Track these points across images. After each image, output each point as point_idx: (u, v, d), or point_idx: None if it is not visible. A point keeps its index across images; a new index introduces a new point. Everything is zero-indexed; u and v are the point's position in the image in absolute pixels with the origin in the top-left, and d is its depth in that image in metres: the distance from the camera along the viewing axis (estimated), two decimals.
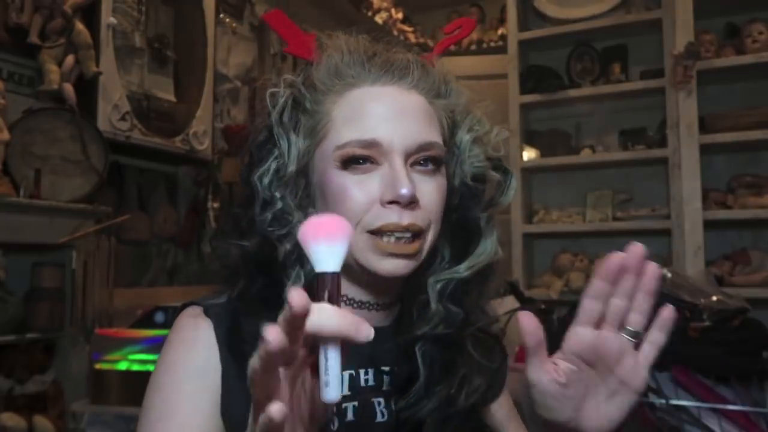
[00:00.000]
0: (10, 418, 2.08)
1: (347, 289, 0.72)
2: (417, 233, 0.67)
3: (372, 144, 0.67)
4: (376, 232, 0.67)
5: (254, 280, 0.71)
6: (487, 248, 0.73)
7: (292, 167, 0.70)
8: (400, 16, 4.77)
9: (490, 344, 0.78)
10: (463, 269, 0.72)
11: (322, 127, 0.70)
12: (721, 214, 2.61)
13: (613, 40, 3.01)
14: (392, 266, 0.67)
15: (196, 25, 3.09)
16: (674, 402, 1.59)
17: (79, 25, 2.39)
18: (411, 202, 0.66)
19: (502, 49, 3.57)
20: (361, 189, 0.67)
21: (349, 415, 0.69)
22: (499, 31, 4.55)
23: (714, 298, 1.70)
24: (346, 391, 0.69)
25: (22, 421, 2.11)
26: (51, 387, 2.26)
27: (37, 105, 2.32)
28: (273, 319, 0.62)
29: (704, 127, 2.64)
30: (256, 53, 3.56)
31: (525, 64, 3.13)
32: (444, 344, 0.71)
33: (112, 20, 2.57)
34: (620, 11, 2.93)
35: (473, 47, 4.74)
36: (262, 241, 0.70)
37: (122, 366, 2.04)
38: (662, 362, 1.64)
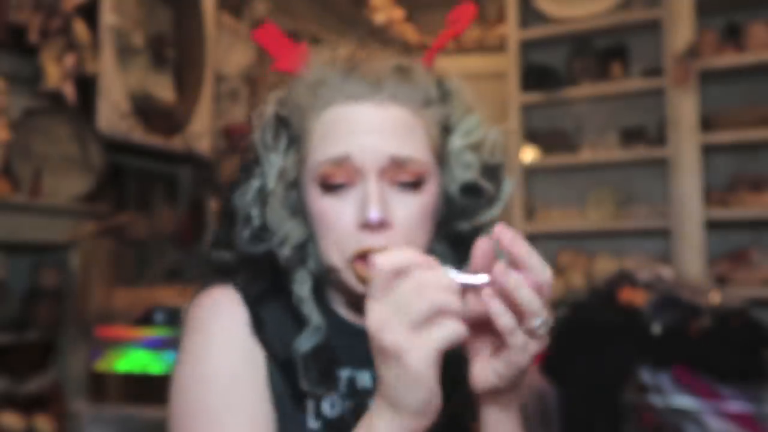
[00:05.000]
0: (10, 418, 2.08)
1: (340, 303, 0.74)
2: None
3: (343, 160, 0.66)
4: (359, 257, 0.66)
5: (255, 278, 0.73)
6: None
7: (271, 185, 0.70)
8: (400, 15, 4.76)
9: None
10: None
11: (305, 144, 0.70)
12: (722, 213, 2.61)
13: (613, 39, 3.01)
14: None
15: (196, 24, 3.09)
16: (674, 402, 1.59)
17: (79, 25, 2.39)
18: (381, 225, 0.65)
19: (502, 49, 3.57)
20: (336, 214, 0.67)
21: (347, 416, 0.69)
22: (499, 31, 4.55)
23: (714, 298, 1.70)
24: (343, 390, 0.71)
25: (22, 421, 2.11)
26: (51, 387, 2.26)
27: (36, 105, 2.32)
28: (287, 310, 0.70)
29: (704, 126, 2.64)
30: (256, 53, 3.56)
31: (525, 63, 3.13)
32: (450, 356, 0.70)
33: (112, 20, 2.57)
34: (620, 10, 2.93)
35: (473, 46, 4.74)
36: (244, 257, 0.72)
37: (122, 366, 2.04)
38: (662, 362, 1.64)
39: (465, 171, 0.71)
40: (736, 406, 1.57)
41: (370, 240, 0.65)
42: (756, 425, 1.57)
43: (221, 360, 0.67)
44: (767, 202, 2.55)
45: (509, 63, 3.10)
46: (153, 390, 2.00)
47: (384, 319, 0.53)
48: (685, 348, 1.62)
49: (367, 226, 0.65)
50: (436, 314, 0.52)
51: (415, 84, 0.70)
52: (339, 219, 0.67)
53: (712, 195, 2.67)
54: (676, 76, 2.62)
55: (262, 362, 0.68)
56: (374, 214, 0.64)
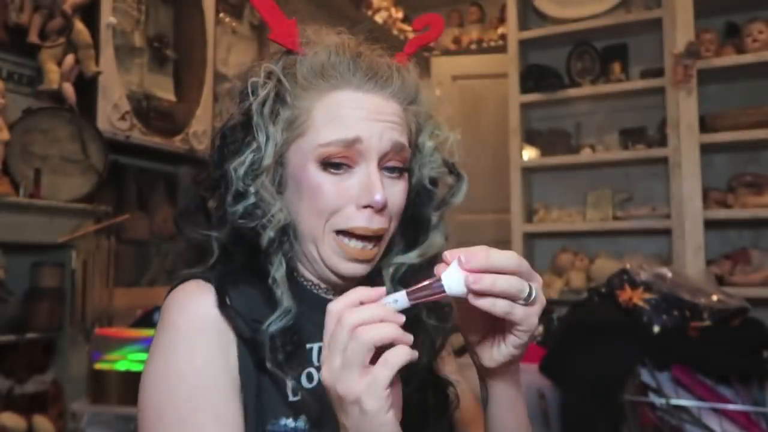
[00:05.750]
0: (10, 418, 2.08)
1: (312, 276, 0.78)
2: (379, 237, 0.73)
3: (354, 142, 0.70)
4: (344, 233, 0.72)
5: (229, 259, 0.74)
6: (437, 240, 0.80)
7: (268, 161, 0.72)
8: (399, 15, 4.76)
9: (445, 311, 0.82)
10: (413, 256, 0.79)
11: (301, 123, 0.72)
12: (722, 213, 2.61)
13: (613, 39, 3.01)
14: (353, 269, 0.73)
15: (196, 24, 3.09)
16: (674, 402, 1.59)
17: (79, 25, 2.39)
18: (383, 208, 0.71)
19: (502, 49, 3.57)
20: (336, 189, 0.71)
21: (306, 384, 0.73)
22: (499, 31, 4.55)
23: (714, 298, 1.70)
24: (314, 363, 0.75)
25: (22, 421, 2.11)
26: (51, 387, 2.26)
27: (36, 105, 2.32)
28: (259, 291, 0.72)
29: (704, 126, 2.64)
30: (256, 53, 3.56)
31: (525, 63, 3.13)
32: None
33: (112, 20, 2.57)
34: (620, 10, 2.93)
35: (473, 46, 4.75)
36: (234, 231, 0.73)
37: (122, 366, 2.04)
38: (662, 362, 1.64)
39: (434, 166, 0.80)
40: (736, 406, 1.57)
41: (364, 220, 0.71)
42: (756, 425, 1.57)
43: (188, 358, 0.68)
44: (767, 202, 2.55)
45: (509, 63, 3.10)
46: None
47: (334, 369, 0.56)
48: (685, 348, 1.62)
49: (368, 206, 0.70)
50: (372, 352, 0.56)
51: (408, 83, 0.76)
52: (338, 196, 0.71)
53: (712, 195, 2.67)
54: (676, 76, 2.62)
55: (234, 344, 0.70)
56: (380, 196, 0.69)
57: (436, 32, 0.82)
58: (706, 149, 2.63)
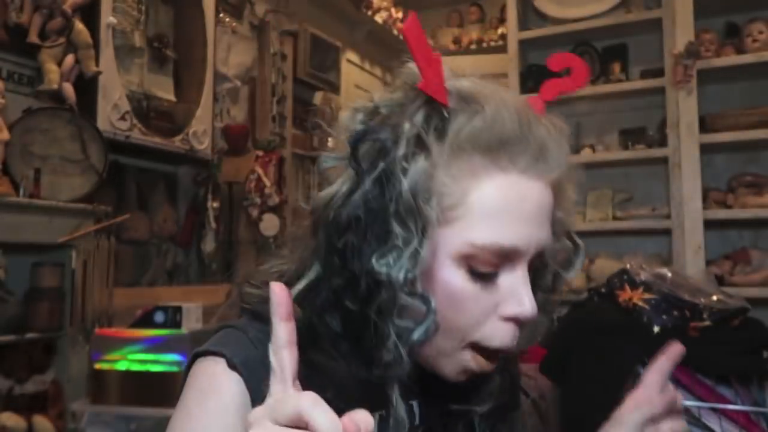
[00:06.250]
0: (10, 418, 2.08)
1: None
2: None
3: (511, 253, 0.56)
4: (478, 347, 0.59)
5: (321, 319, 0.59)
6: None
7: (425, 259, 0.54)
8: (400, 15, 4.77)
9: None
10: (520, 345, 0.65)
11: (452, 208, 0.56)
12: (721, 213, 2.61)
13: (613, 39, 3.01)
14: (463, 377, 0.60)
15: (196, 24, 3.09)
16: None
17: (79, 25, 2.39)
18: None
19: (502, 49, 3.57)
20: (478, 302, 0.57)
21: None
22: (499, 31, 4.55)
23: (714, 297, 1.70)
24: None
25: (22, 421, 2.11)
26: (51, 387, 2.26)
27: (36, 105, 2.32)
28: (345, 364, 0.57)
29: (704, 126, 2.64)
30: (256, 53, 3.56)
31: (525, 63, 3.13)
32: (501, 411, 0.69)
33: (112, 20, 2.57)
34: (620, 10, 2.93)
35: (473, 46, 4.75)
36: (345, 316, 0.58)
37: (122, 366, 2.04)
38: None
39: (557, 239, 0.63)
40: (736, 406, 1.57)
41: (508, 336, 0.58)
42: (756, 425, 1.57)
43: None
44: (767, 202, 2.55)
45: (509, 63, 3.10)
46: (153, 390, 2.00)
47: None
48: (685, 348, 1.62)
49: (513, 319, 0.58)
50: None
51: (564, 150, 0.60)
52: (483, 311, 0.57)
53: (712, 195, 2.66)
54: (676, 77, 2.62)
55: None
56: (532, 309, 0.57)
57: (579, 79, 0.65)
58: (706, 149, 2.63)
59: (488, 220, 0.55)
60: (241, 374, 0.56)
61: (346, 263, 0.55)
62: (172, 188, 3.08)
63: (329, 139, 0.63)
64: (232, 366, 0.56)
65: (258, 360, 0.55)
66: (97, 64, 2.46)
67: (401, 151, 0.54)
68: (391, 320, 0.54)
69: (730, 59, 2.63)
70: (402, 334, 0.54)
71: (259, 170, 3.23)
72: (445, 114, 0.57)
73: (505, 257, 0.56)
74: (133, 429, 2.05)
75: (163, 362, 2.01)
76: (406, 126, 0.56)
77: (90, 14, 2.49)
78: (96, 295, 2.39)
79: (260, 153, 3.30)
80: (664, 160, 2.73)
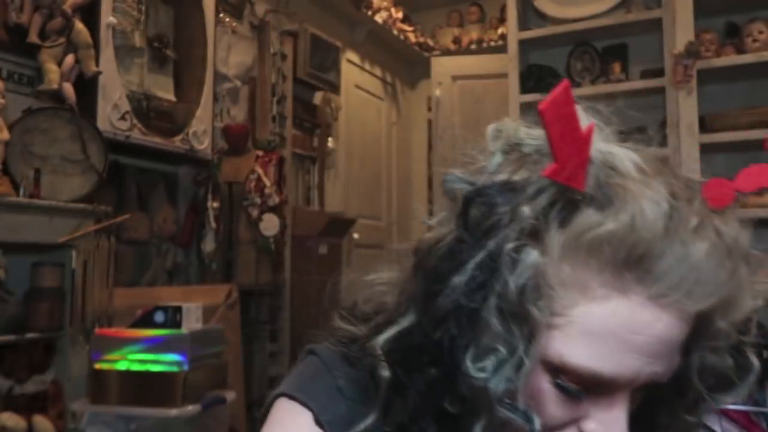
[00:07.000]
0: (10, 418, 2.08)
1: None
2: None
3: (607, 384, 0.46)
4: None
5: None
6: None
7: (529, 366, 0.45)
8: (399, 15, 4.76)
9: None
10: None
11: (552, 315, 0.45)
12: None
13: (613, 39, 3.01)
14: None
15: (196, 24, 3.09)
16: None
17: (79, 25, 2.39)
18: None
19: (502, 49, 3.57)
20: (564, 409, 0.48)
21: None
22: (499, 31, 4.55)
23: None
24: None
25: (22, 421, 2.11)
26: (51, 387, 2.26)
27: (36, 105, 2.32)
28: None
29: (704, 126, 2.64)
30: (256, 53, 3.56)
31: (525, 63, 3.13)
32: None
33: (112, 20, 2.57)
34: (620, 10, 2.93)
35: (473, 47, 4.75)
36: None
37: (122, 366, 2.04)
38: None
39: (715, 355, 0.51)
40: (736, 406, 1.57)
41: None
42: (756, 425, 1.56)
43: None
44: (767, 202, 2.55)
45: (509, 63, 3.10)
46: (153, 390, 2.00)
47: None
48: None
49: None
50: None
51: (726, 273, 0.47)
52: (563, 414, 0.48)
53: None
54: (676, 77, 2.62)
55: None
56: None
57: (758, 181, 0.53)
58: (706, 149, 2.63)
59: (590, 339, 0.45)
60: None
61: (442, 350, 0.46)
62: (172, 188, 3.08)
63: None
64: (318, 423, 0.52)
65: (345, 418, 0.51)
66: (97, 64, 2.46)
67: (512, 239, 0.45)
68: (480, 424, 0.47)
69: (730, 59, 2.64)
70: None
71: (259, 170, 3.23)
72: (577, 200, 0.45)
73: (602, 385, 0.46)
74: (133, 429, 2.05)
75: (163, 362, 2.01)
76: (525, 211, 0.45)
77: (90, 14, 2.49)
78: (96, 295, 2.38)
79: (260, 153, 3.30)
80: (664, 160, 2.73)
